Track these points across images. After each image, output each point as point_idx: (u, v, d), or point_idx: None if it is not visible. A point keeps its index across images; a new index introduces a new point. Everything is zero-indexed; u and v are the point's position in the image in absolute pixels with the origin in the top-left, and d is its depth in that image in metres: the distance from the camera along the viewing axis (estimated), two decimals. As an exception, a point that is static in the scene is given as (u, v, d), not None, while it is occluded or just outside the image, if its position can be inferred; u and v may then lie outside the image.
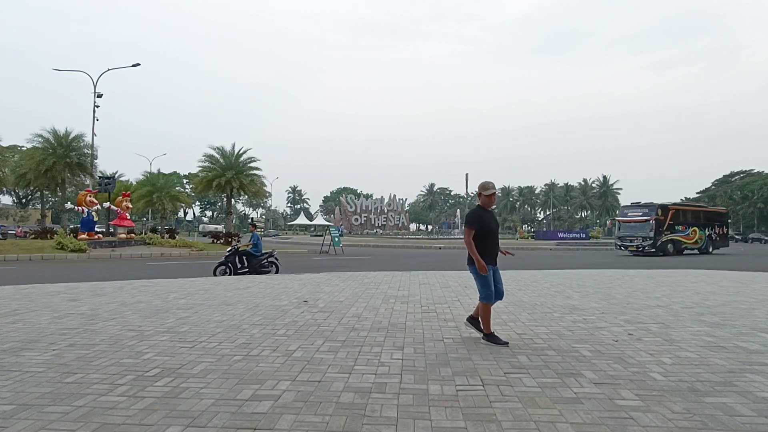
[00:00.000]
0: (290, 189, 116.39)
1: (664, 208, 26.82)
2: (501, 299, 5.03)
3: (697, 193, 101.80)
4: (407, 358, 4.22)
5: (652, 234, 25.71)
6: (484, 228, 4.78)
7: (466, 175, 43.34)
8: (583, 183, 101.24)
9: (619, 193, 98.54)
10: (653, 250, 25.49)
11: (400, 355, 4.32)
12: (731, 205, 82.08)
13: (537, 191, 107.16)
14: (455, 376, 3.70)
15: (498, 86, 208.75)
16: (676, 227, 26.44)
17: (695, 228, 27.60)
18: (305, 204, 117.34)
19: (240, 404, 3.10)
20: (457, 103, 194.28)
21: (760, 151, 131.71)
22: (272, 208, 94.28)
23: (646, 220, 26.29)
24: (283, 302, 7.29)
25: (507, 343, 4.68)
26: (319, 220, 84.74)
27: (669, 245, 26.03)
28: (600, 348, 4.59)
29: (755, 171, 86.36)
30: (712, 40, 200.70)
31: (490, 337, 4.79)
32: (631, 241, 26.89)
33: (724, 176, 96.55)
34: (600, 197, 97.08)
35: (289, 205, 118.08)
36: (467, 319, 5.20)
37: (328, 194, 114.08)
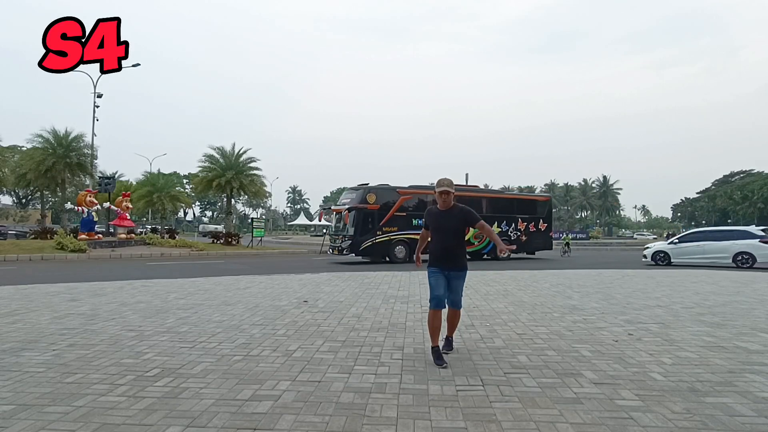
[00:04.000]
0: (290, 189, 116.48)
1: (384, 191, 18.58)
2: (456, 308, 4.39)
3: (697, 193, 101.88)
4: (407, 358, 4.22)
5: (352, 230, 18.10)
6: (432, 227, 4.38)
7: (466, 175, 43.27)
8: (583, 183, 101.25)
9: (619, 193, 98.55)
10: (352, 253, 17.96)
11: (400, 355, 4.32)
12: (731, 205, 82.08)
13: (537, 191, 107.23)
14: (455, 376, 3.70)
15: (498, 86, 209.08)
16: (418, 221, 17.86)
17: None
18: (305, 204, 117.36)
19: (240, 404, 3.10)
20: (457, 103, 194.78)
21: (760, 151, 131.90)
22: (272, 208, 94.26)
23: (351, 209, 18.48)
24: (283, 302, 7.29)
25: (445, 365, 3.98)
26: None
27: (397, 247, 18.32)
28: (600, 348, 4.59)
29: (755, 171, 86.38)
30: (712, 39, 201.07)
31: (434, 352, 4.15)
32: (334, 241, 19.74)
33: (724, 176, 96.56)
34: (600, 197, 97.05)
35: (289, 205, 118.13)
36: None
37: (328, 194, 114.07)
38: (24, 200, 60.69)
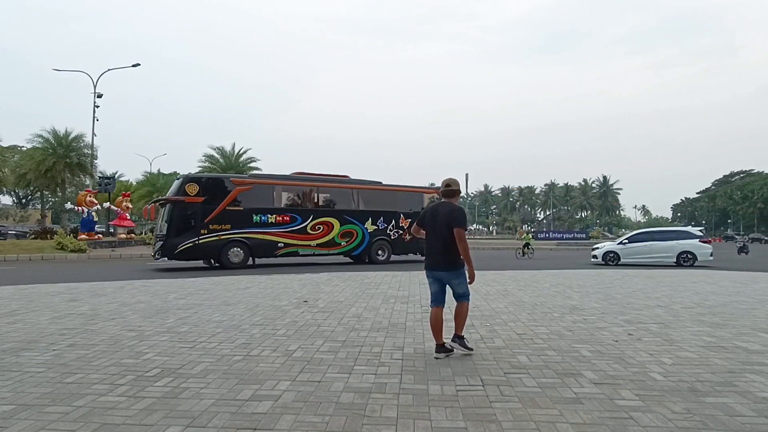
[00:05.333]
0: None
1: (211, 181, 15.58)
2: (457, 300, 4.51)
3: (697, 193, 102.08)
4: (407, 358, 4.22)
5: (166, 229, 14.84)
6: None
7: (466, 175, 43.24)
8: (583, 183, 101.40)
9: (619, 193, 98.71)
10: (165, 257, 14.56)
11: (400, 355, 4.31)
12: (731, 205, 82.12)
13: (537, 191, 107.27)
14: (455, 376, 3.70)
15: (498, 86, 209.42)
16: (261, 218, 15.36)
17: (330, 220, 16.26)
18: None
19: (240, 404, 3.10)
20: (457, 103, 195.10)
21: (760, 151, 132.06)
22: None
23: (165, 203, 15.41)
24: (283, 302, 7.29)
25: (442, 357, 4.23)
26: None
27: (232, 249, 14.89)
28: (600, 348, 4.59)
29: (755, 171, 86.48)
30: (712, 39, 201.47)
31: (462, 340, 4.36)
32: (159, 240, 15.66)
33: (724, 176, 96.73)
34: (600, 197, 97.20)
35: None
36: (453, 340, 4.38)
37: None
38: (24, 200, 60.75)
